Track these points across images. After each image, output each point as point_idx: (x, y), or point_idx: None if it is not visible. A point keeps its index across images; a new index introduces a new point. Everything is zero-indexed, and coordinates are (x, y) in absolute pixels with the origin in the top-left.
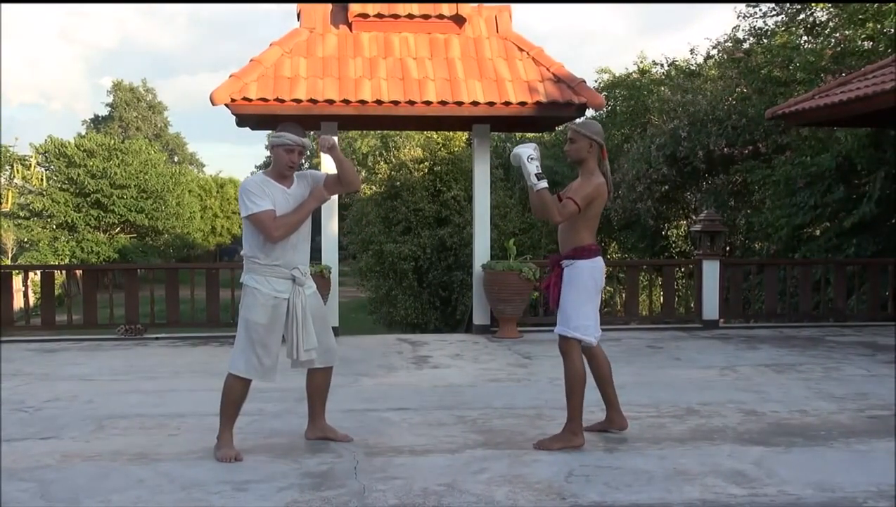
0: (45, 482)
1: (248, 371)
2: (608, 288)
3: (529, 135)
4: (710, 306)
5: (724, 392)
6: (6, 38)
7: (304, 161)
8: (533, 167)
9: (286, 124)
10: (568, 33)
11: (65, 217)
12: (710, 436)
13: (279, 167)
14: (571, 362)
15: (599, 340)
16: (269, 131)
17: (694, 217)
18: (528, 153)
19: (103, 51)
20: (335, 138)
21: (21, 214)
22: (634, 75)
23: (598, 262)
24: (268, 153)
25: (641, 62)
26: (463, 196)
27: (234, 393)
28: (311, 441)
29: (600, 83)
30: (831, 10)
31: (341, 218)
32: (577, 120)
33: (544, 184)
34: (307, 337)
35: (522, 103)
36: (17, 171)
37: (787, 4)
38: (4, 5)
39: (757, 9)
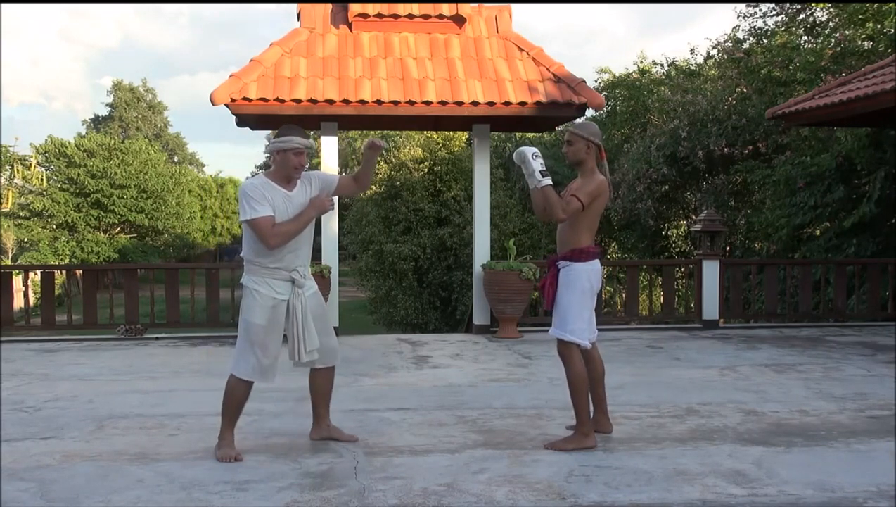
0: (45, 482)
1: (247, 373)
2: (608, 288)
3: (529, 135)
4: (710, 306)
5: (724, 392)
6: (7, 38)
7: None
8: (537, 164)
9: (289, 127)
10: (568, 33)
11: (65, 217)
12: (710, 436)
13: (287, 171)
14: (572, 365)
15: (597, 340)
16: (269, 132)
17: (694, 217)
18: (532, 151)
19: (103, 51)
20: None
21: (21, 214)
22: (634, 75)
23: (595, 264)
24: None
25: (641, 62)
26: (463, 196)
27: (236, 395)
28: (310, 441)
29: (600, 83)
30: (831, 10)
31: (341, 218)
32: (577, 121)
33: (548, 181)
34: (309, 338)
35: (522, 103)
36: (18, 171)
37: (787, 4)
38: (4, 5)
39: (757, 9)
